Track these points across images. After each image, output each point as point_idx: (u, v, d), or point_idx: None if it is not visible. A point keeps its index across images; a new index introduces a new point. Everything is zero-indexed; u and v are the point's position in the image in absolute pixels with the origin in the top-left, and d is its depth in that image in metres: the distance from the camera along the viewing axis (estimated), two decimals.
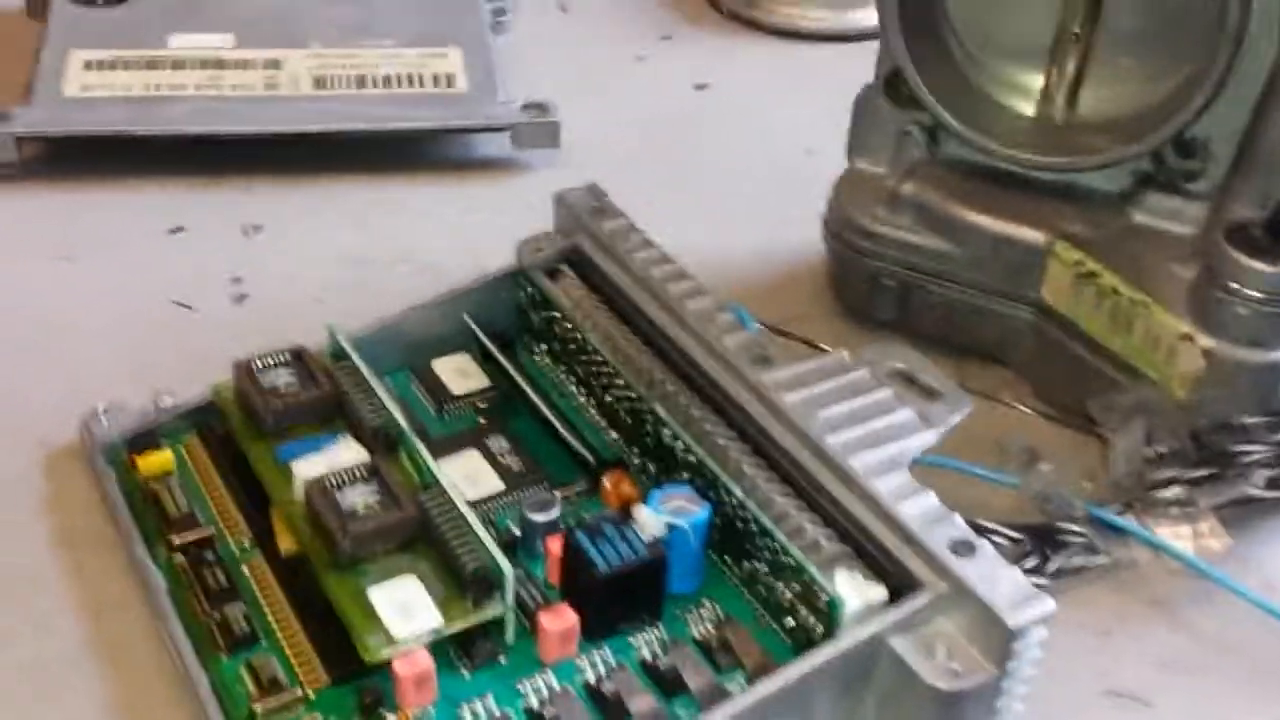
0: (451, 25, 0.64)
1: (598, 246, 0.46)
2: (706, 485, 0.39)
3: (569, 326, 0.45)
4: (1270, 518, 0.43)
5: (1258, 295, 0.41)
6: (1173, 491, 0.42)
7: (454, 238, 0.57)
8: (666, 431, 0.40)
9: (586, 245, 0.47)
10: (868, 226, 0.49)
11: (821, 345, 0.50)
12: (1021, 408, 0.48)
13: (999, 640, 0.33)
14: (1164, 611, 0.41)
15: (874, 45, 0.48)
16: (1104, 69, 0.47)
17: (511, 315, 0.47)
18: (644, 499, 0.38)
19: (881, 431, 0.39)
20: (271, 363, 0.42)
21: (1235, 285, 0.41)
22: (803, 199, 0.52)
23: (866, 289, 0.50)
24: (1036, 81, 0.48)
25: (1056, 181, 0.47)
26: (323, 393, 0.41)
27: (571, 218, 0.48)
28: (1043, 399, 0.48)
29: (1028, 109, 0.48)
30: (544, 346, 0.46)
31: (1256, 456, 0.41)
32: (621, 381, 0.42)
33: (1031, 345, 0.48)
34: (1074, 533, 0.42)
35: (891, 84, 0.48)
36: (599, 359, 0.43)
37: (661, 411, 0.41)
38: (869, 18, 0.57)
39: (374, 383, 0.41)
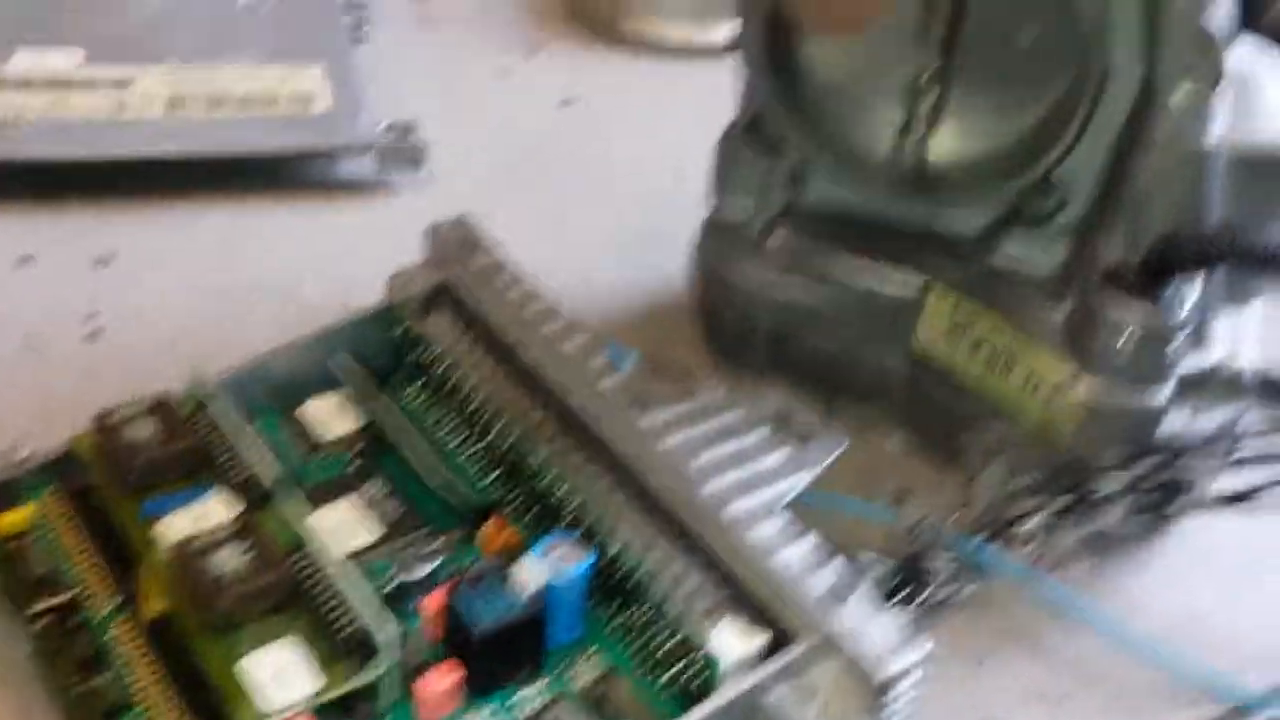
0: (312, 40, 0.63)
1: (470, 282, 0.46)
2: (587, 533, 0.39)
3: (444, 366, 0.44)
4: (1127, 549, 0.44)
5: (1138, 337, 0.42)
6: (1034, 524, 0.43)
7: (319, 266, 0.55)
8: (545, 478, 0.40)
9: (459, 280, 0.46)
10: (737, 281, 0.49)
11: (697, 377, 0.50)
12: (893, 443, 0.49)
13: (871, 690, 0.33)
14: (1025, 641, 0.42)
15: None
16: (960, 109, 0.48)
17: (385, 352, 0.46)
18: (525, 546, 0.38)
19: (758, 475, 0.39)
20: (131, 414, 0.40)
21: (1115, 328, 0.42)
22: (671, 222, 0.52)
23: (737, 337, 0.50)
24: (896, 123, 0.49)
25: (922, 225, 0.48)
26: (187, 444, 0.40)
27: (443, 251, 0.47)
28: (916, 437, 0.49)
29: (887, 150, 0.49)
30: (420, 385, 0.46)
31: (1114, 490, 0.43)
32: (499, 425, 0.42)
33: (906, 389, 0.49)
34: (943, 565, 0.43)
35: (754, 128, 0.48)
36: (475, 401, 0.43)
37: (539, 457, 0.40)
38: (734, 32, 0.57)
39: (240, 431, 0.40)
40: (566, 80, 0.69)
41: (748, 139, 0.49)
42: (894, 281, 0.47)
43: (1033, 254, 0.47)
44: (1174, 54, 0.41)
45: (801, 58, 0.48)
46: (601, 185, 0.62)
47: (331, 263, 0.55)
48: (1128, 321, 0.42)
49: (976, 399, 0.46)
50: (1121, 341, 0.42)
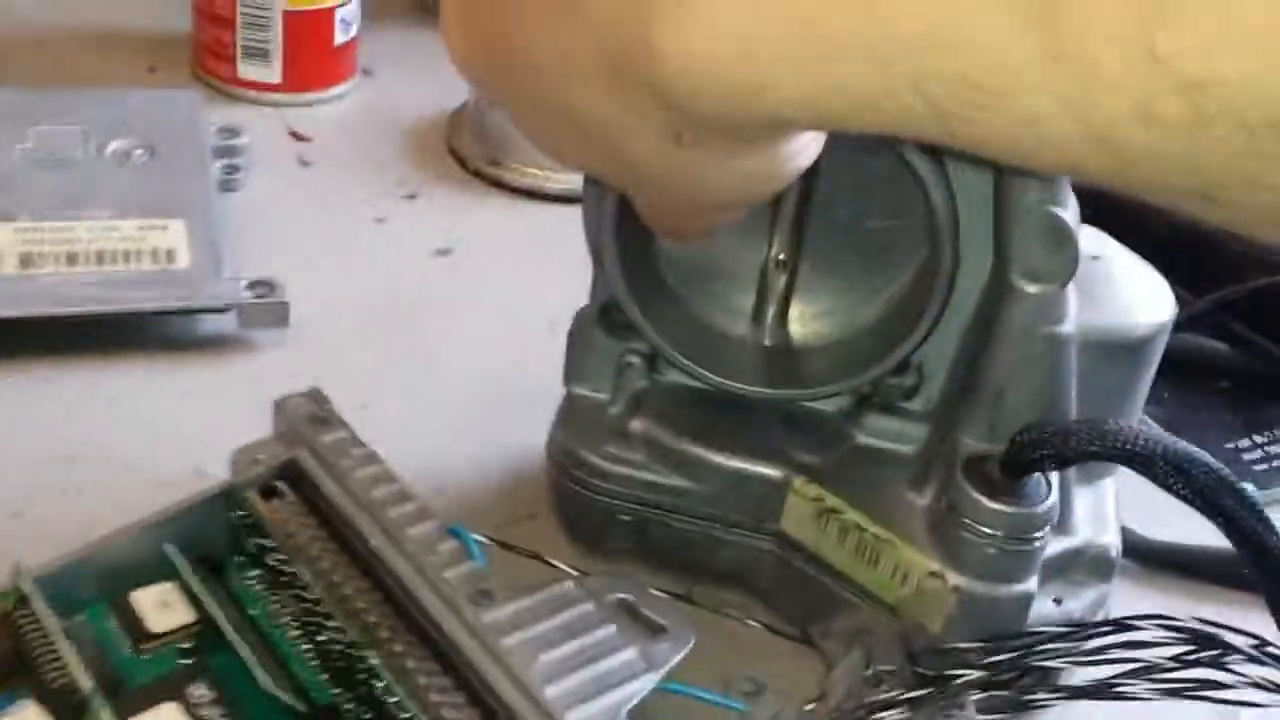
0: (175, 193, 0.61)
1: (317, 461, 0.44)
2: None
3: (283, 555, 0.43)
4: None
5: (1001, 534, 0.41)
6: (891, 713, 0.42)
7: (173, 430, 0.53)
8: (379, 683, 0.38)
9: (306, 459, 0.45)
10: (599, 465, 0.48)
11: (550, 561, 0.48)
12: (752, 623, 0.48)
13: None
14: None
15: None
16: (812, 292, 0.47)
17: (223, 535, 0.44)
18: None
19: (602, 676, 0.38)
20: None
21: (979, 525, 0.41)
22: (545, 380, 0.51)
23: (598, 524, 0.49)
24: (749, 306, 0.48)
25: (783, 408, 0.47)
26: (3, 647, 0.38)
27: (292, 425, 0.46)
28: (779, 619, 0.48)
29: (742, 334, 0.48)
30: (258, 573, 0.44)
31: (971, 678, 0.42)
32: (334, 623, 0.40)
33: (772, 573, 0.48)
34: None
35: (606, 313, 0.48)
36: (313, 593, 0.41)
37: (374, 661, 0.39)
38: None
39: (58, 634, 0.38)
40: (444, 226, 0.68)
41: (601, 324, 0.48)
42: (759, 469, 0.47)
43: (892, 438, 0.46)
44: (1026, 245, 0.41)
45: (651, 253, 0.47)
46: (474, 341, 0.61)
47: (183, 427, 0.53)
48: (991, 523, 0.41)
49: (848, 587, 0.46)
50: (985, 542, 0.41)
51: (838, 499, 0.45)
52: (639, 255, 0.46)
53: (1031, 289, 0.41)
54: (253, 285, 0.58)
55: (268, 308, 0.57)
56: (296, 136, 0.73)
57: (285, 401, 0.47)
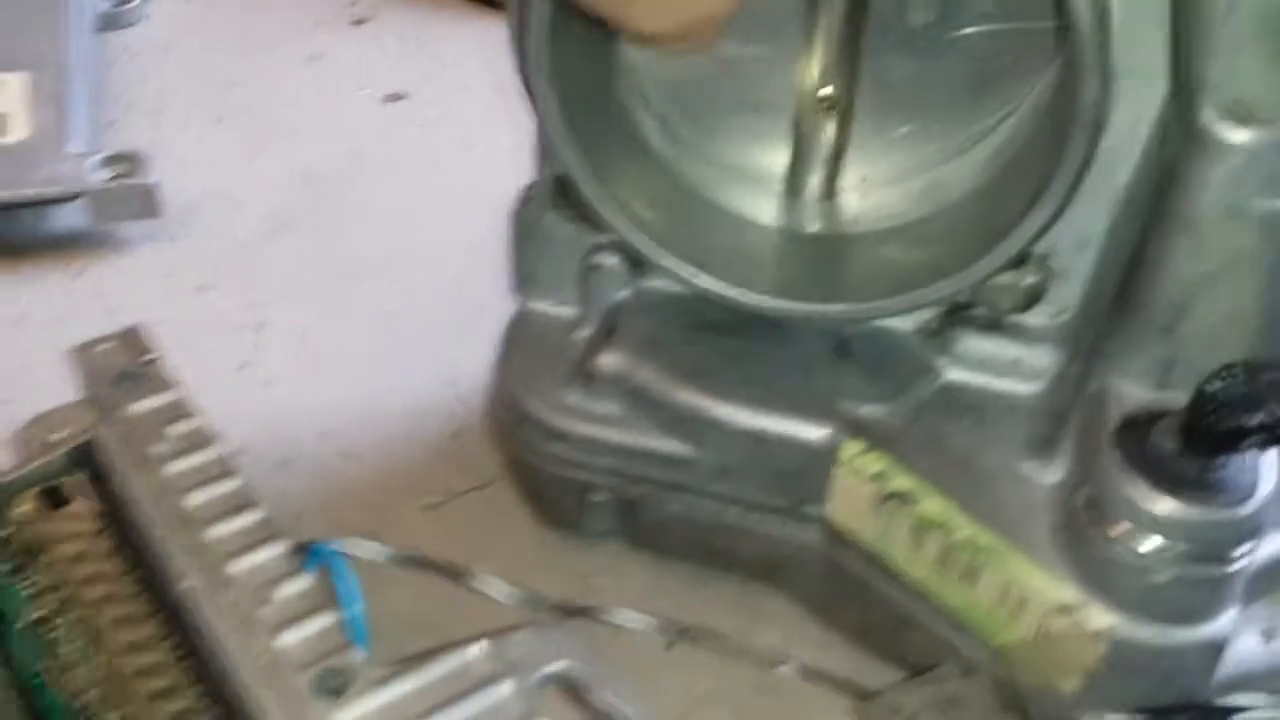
0: (22, 40, 0.45)
1: (120, 445, 0.30)
2: None
3: (60, 564, 0.28)
4: None
5: (1178, 550, 0.25)
6: None
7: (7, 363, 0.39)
8: None
9: (106, 441, 0.30)
10: (554, 424, 0.32)
11: (476, 587, 0.33)
12: (784, 669, 0.32)
13: None
14: None
15: None
16: (875, 145, 0.31)
17: None
18: None
19: None
20: None
21: (1141, 533, 0.26)
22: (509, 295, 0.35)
23: (566, 503, 0.33)
24: (778, 171, 0.31)
25: (830, 335, 0.31)
26: None
27: (96, 386, 0.31)
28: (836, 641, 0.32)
29: (769, 218, 0.31)
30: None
31: None
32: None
33: (819, 577, 0.32)
34: None
35: (566, 188, 0.31)
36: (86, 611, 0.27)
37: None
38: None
39: None
40: (401, 62, 0.52)
41: (558, 204, 0.32)
42: (790, 428, 0.30)
43: (1001, 373, 0.30)
44: (1231, 60, 0.24)
45: (618, 87, 0.30)
46: (422, 229, 0.45)
47: (12, 362, 0.39)
48: (1163, 530, 0.25)
49: (927, 599, 0.30)
50: (1151, 562, 0.25)
51: (911, 476, 0.29)
52: (596, 88, 0.30)
53: (1238, 136, 0.24)
54: (110, 162, 0.42)
55: (128, 192, 0.42)
56: None
57: (89, 350, 0.32)
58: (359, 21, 0.54)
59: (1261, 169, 0.25)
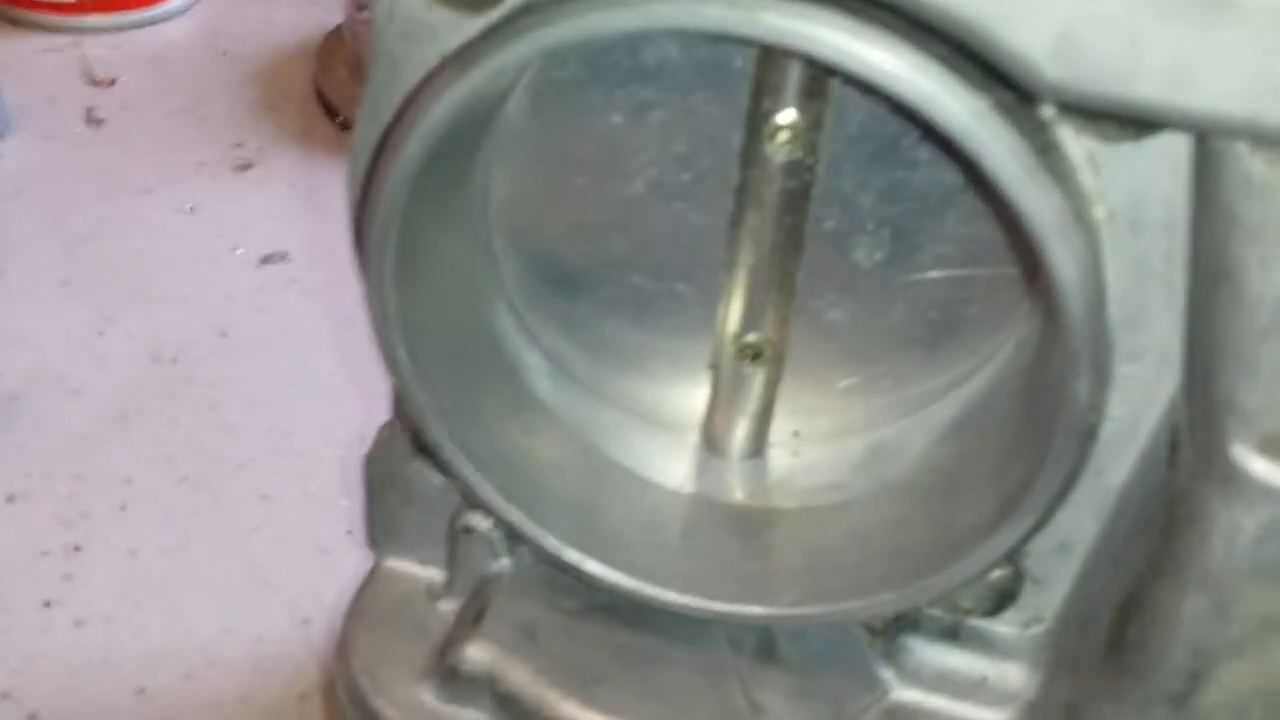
0: None
1: None
2: None
3: None
4: None
5: None
6: None
7: None
8: None
9: None
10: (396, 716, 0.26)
11: None
12: None
13: None
14: None
15: None
16: (812, 401, 0.25)
17: None
18: None
19: None
20: None
21: None
22: None
23: None
24: (694, 417, 0.26)
25: (746, 635, 0.25)
26: None
27: None
28: None
29: (681, 477, 0.26)
30: None
31: None
32: None
33: None
34: None
35: (422, 442, 0.25)
36: None
37: None
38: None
39: None
40: (286, 213, 0.46)
41: (421, 454, 0.26)
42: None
43: (959, 705, 0.24)
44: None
45: (501, 306, 0.25)
46: (289, 427, 0.38)
47: None
48: None
49: None
50: None
51: None
52: (463, 327, 0.24)
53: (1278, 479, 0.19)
54: None
55: None
56: (93, 81, 0.51)
57: None
58: (244, 166, 0.48)
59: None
